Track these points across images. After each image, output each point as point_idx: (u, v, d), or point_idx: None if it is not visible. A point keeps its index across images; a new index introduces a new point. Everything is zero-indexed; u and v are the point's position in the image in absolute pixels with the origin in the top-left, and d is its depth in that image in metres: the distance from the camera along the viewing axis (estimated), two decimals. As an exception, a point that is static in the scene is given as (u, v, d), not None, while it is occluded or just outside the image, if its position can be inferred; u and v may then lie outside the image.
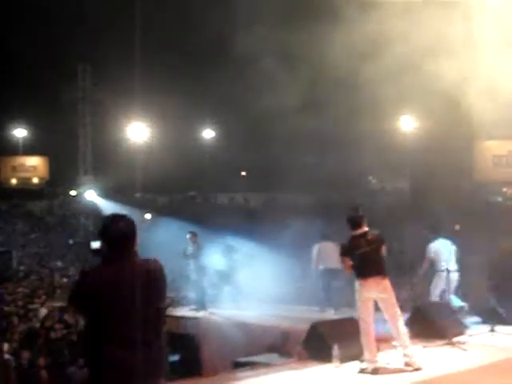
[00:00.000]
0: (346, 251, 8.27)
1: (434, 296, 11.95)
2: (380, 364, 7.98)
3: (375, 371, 7.87)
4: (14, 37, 31.00)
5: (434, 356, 8.52)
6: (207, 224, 21.02)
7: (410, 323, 9.53)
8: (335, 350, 8.12)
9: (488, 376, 7.76)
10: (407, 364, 7.95)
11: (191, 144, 37.39)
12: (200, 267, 14.63)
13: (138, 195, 35.86)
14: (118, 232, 4.14)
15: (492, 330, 10.05)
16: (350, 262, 8.16)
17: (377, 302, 8.08)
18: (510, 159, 30.77)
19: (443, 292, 11.60)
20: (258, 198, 36.36)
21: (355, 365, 8.16)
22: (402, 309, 8.38)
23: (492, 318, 10.33)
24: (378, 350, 8.15)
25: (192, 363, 12.14)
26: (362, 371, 7.96)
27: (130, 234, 4.19)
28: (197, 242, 14.63)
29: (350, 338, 8.57)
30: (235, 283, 15.35)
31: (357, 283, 8.11)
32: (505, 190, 32.75)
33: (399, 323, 8.04)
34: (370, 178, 38.99)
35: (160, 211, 30.85)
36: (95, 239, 4.22)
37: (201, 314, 14.30)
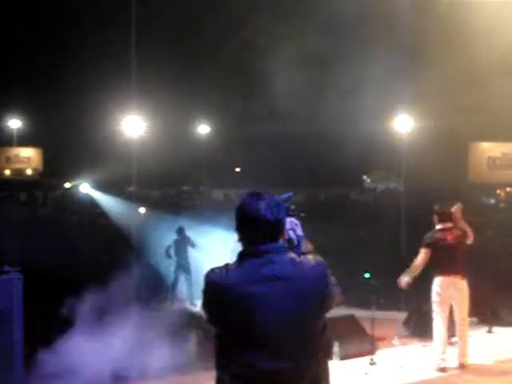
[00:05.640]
0: (429, 243, 7.83)
1: None
2: (443, 361, 7.83)
3: (443, 369, 7.79)
4: (10, 28, 30.89)
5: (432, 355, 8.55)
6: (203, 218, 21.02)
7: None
8: (336, 348, 8.15)
9: (486, 376, 7.81)
10: (460, 365, 7.89)
11: (186, 139, 37.31)
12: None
13: (131, 189, 35.71)
14: (252, 217, 2.81)
15: (489, 331, 10.10)
16: (424, 257, 7.75)
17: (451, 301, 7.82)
18: (503, 161, 30.85)
19: None
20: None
21: (355, 362, 8.21)
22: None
23: (490, 319, 10.38)
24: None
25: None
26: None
27: (271, 219, 2.82)
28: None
29: (349, 336, 8.62)
30: None
31: (435, 280, 7.81)
32: (498, 191, 32.88)
33: (465, 328, 7.94)
34: (365, 177, 39.02)
35: (154, 205, 30.75)
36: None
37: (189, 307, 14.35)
